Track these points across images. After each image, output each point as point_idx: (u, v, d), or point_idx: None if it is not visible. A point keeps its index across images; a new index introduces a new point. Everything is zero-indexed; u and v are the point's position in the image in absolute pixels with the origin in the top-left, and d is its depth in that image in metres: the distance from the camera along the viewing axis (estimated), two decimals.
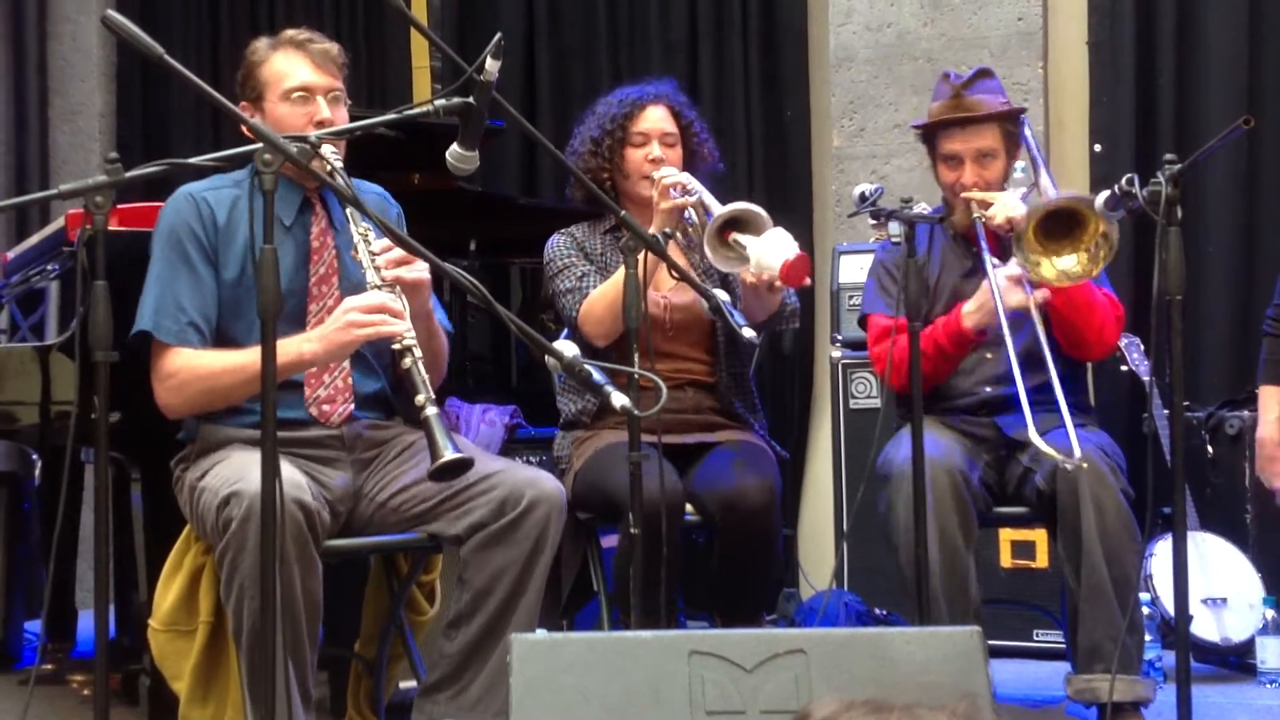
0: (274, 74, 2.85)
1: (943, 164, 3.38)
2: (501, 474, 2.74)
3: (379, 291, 2.66)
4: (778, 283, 2.98)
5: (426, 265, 2.74)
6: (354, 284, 2.79)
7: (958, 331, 3.24)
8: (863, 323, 3.51)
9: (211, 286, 2.77)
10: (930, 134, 3.42)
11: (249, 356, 2.66)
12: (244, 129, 2.65)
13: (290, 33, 2.90)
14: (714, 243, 3.05)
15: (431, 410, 2.54)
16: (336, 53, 2.91)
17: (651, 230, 3.12)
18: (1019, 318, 3.35)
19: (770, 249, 2.96)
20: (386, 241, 2.71)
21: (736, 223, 3.04)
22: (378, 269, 2.68)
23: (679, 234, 3.27)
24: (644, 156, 3.35)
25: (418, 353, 2.62)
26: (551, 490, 2.73)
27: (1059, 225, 3.05)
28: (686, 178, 3.23)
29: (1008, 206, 3.19)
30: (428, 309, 2.84)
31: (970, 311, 3.23)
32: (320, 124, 2.78)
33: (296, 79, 2.83)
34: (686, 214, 3.22)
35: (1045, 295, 3.14)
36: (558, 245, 3.41)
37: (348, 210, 2.74)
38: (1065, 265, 3.05)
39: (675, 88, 3.52)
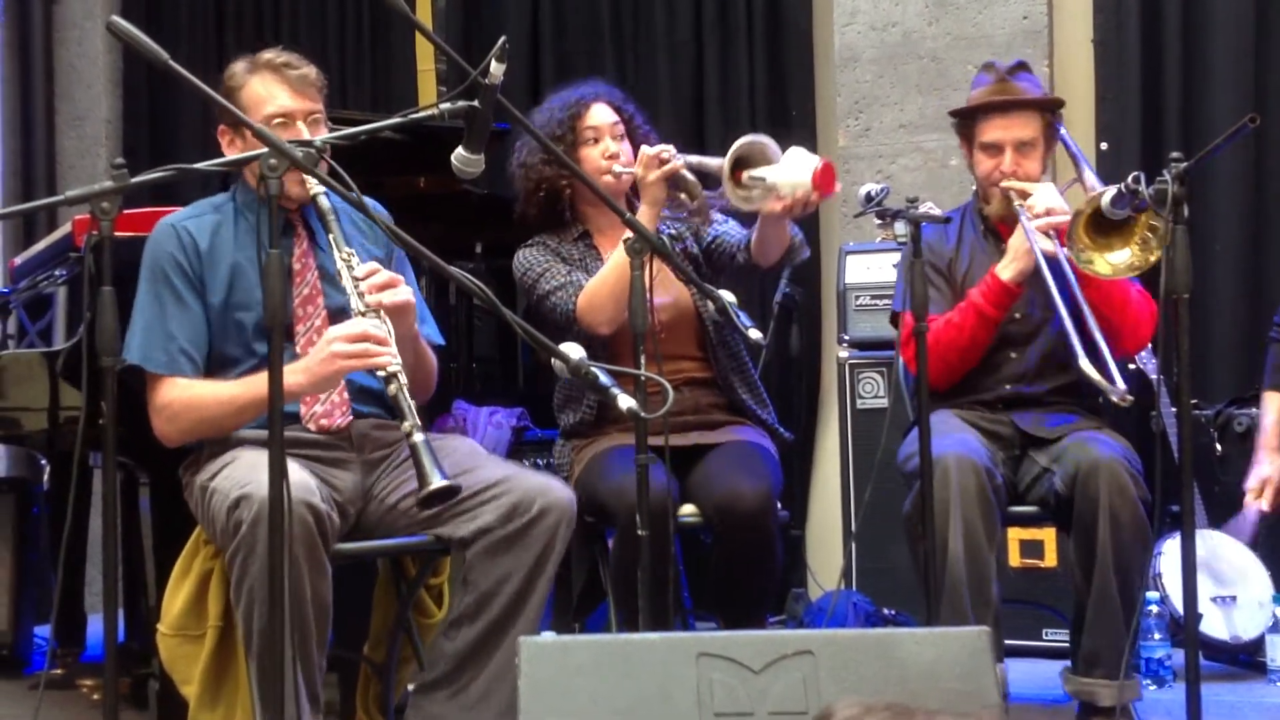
0: (253, 99, 2.83)
1: (981, 152, 3.33)
2: (512, 480, 2.74)
3: (363, 319, 2.65)
4: (814, 196, 2.97)
5: (410, 290, 2.76)
6: (338, 304, 2.79)
7: (997, 288, 3.21)
8: (894, 320, 3.47)
9: (200, 314, 2.78)
10: (968, 123, 3.37)
11: (240, 389, 2.70)
12: (223, 140, 2.73)
13: (268, 56, 2.88)
14: (731, 187, 3.02)
15: (418, 436, 2.53)
16: (315, 76, 2.89)
17: (642, 206, 3.14)
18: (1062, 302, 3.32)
19: (794, 167, 2.96)
20: (370, 266, 2.71)
21: (743, 161, 3.02)
22: (361, 295, 2.67)
23: (675, 205, 3.24)
24: (601, 153, 3.31)
25: (403, 379, 2.61)
26: (562, 498, 2.73)
27: (1108, 220, 3.02)
28: (667, 146, 3.18)
29: (1048, 196, 3.19)
30: (414, 332, 2.84)
31: (1005, 264, 3.21)
32: (298, 141, 2.77)
33: (275, 105, 2.82)
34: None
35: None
36: (530, 255, 3.34)
37: (331, 237, 2.73)
38: (1120, 259, 3.02)
39: (607, 85, 3.48)
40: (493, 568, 2.69)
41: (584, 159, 3.30)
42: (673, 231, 3.36)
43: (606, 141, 3.31)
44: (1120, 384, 2.94)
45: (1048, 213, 3.14)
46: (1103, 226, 3.02)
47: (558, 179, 3.33)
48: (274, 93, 2.83)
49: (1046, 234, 3.12)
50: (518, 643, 1.99)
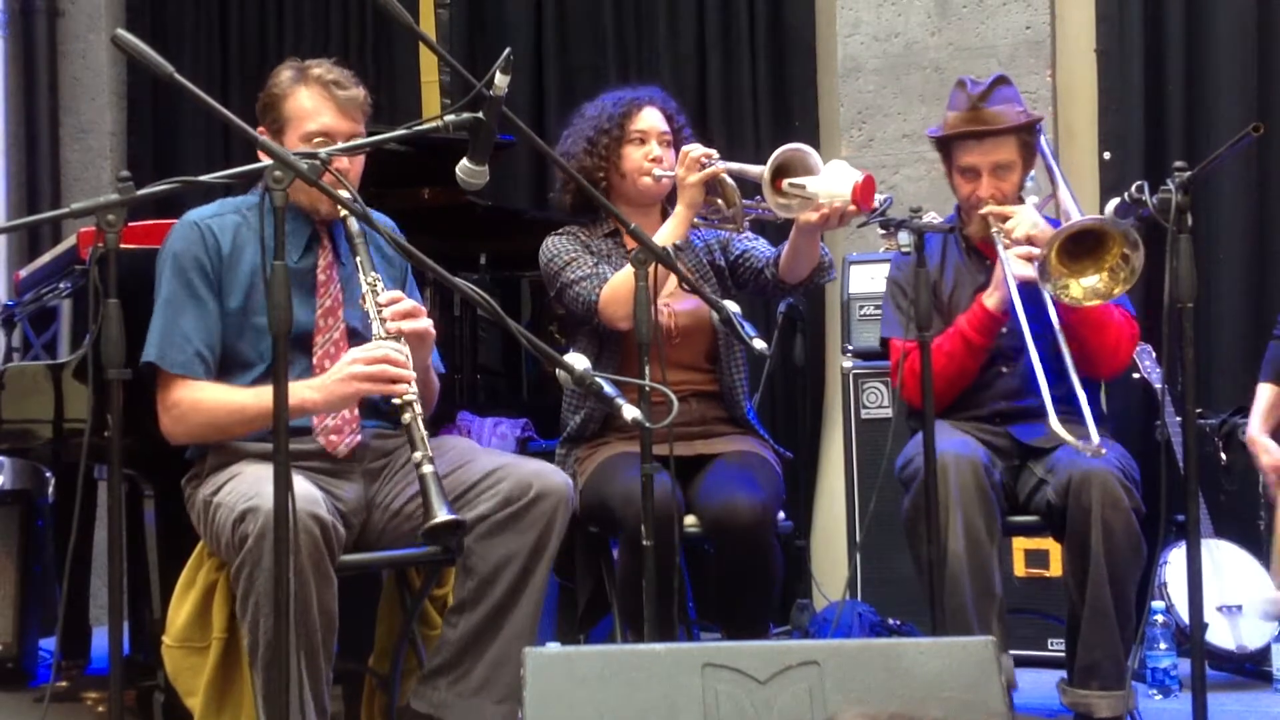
0: (297, 111, 2.81)
1: (959, 175, 3.35)
2: (507, 467, 2.75)
3: (384, 343, 2.66)
4: (851, 208, 2.99)
5: (430, 321, 2.77)
6: (359, 318, 2.80)
7: (982, 315, 3.23)
8: (884, 345, 3.49)
9: (216, 315, 2.78)
10: (945, 143, 3.39)
11: (250, 398, 2.69)
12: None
13: (317, 70, 2.83)
14: (771, 194, 3.04)
15: (428, 468, 2.55)
16: (363, 99, 2.85)
17: (678, 207, 3.16)
18: (1038, 329, 3.34)
19: (835, 179, 2.99)
20: (394, 294, 2.73)
21: (784, 169, 3.04)
22: (383, 320, 2.68)
23: (710, 210, 3.26)
24: (644, 155, 3.32)
25: (418, 408, 2.62)
26: (559, 483, 2.74)
27: (1081, 244, 3.03)
28: (710, 150, 3.20)
29: (1028, 221, 3.19)
30: (427, 363, 2.85)
31: (989, 292, 3.23)
32: (338, 170, 2.76)
33: (318, 123, 2.79)
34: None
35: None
36: (559, 243, 3.35)
37: (357, 259, 2.74)
38: (1089, 284, 3.04)
39: (663, 93, 3.50)
40: (491, 552, 2.70)
41: (626, 157, 3.34)
42: (700, 244, 3.38)
43: (652, 145, 3.34)
44: (1094, 437, 2.95)
45: (1027, 239, 3.15)
46: (1075, 251, 3.03)
47: (595, 171, 3.33)
48: (319, 109, 2.80)
49: (1029, 260, 3.13)
50: (524, 654, 1.99)
